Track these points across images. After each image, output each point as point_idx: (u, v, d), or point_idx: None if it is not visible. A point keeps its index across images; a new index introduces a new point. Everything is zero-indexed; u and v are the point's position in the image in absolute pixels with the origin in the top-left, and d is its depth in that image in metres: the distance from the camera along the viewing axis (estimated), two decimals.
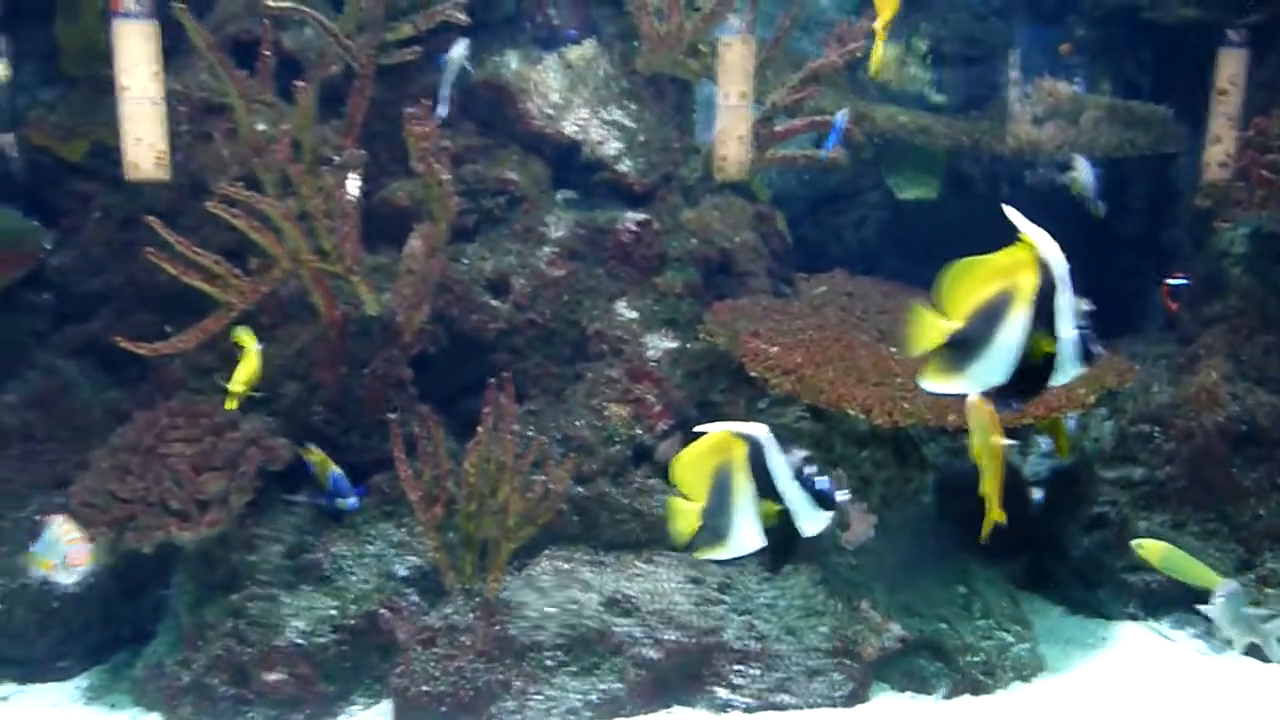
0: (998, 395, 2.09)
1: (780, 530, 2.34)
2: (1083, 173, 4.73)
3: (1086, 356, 2.01)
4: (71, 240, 4.08)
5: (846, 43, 4.35)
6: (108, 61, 3.53)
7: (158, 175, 3.45)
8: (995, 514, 2.68)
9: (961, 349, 2.04)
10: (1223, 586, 3.36)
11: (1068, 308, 1.99)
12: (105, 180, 4.00)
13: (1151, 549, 3.48)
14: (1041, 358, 2.02)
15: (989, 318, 2.02)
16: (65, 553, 3.17)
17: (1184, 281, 4.49)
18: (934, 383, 2.10)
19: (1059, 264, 1.97)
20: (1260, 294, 4.24)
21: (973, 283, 2.05)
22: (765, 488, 2.32)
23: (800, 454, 2.32)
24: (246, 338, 3.49)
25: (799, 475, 2.31)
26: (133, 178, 3.43)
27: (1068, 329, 1.99)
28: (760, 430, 2.33)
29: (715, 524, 2.37)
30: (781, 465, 2.31)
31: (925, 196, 5.63)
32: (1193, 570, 3.49)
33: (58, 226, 4.11)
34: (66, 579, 3.21)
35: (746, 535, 2.36)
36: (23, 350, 4.05)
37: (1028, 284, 1.99)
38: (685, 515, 2.40)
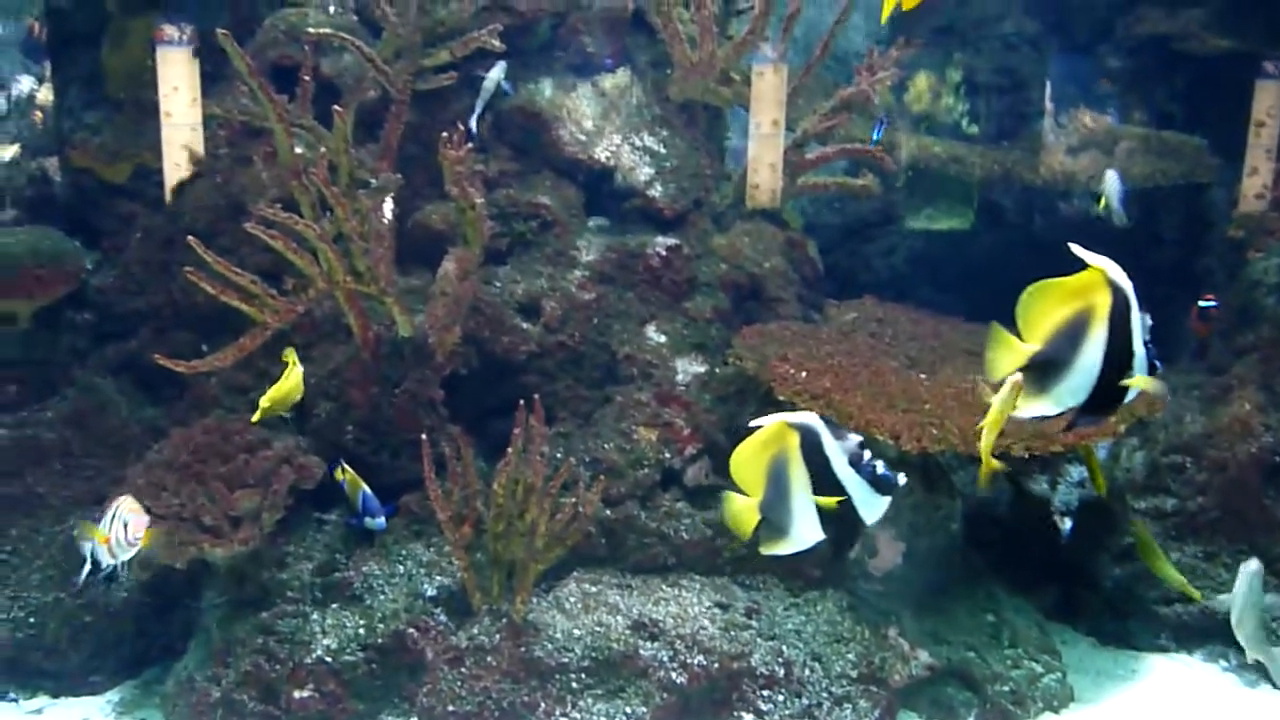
0: (1078, 413, 2.13)
1: (841, 520, 2.27)
2: (1110, 184, 4.73)
3: (1152, 370, 2.08)
4: (113, 260, 4.16)
5: (876, 71, 4.38)
6: (153, 86, 3.62)
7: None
8: (989, 463, 2.64)
9: (1043, 370, 2.10)
10: (1247, 565, 3.34)
11: (1138, 325, 2.06)
12: (147, 201, 4.09)
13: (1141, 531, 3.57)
14: (1118, 374, 2.07)
15: (1069, 338, 2.07)
16: (128, 521, 3.07)
17: (1213, 304, 4.44)
18: (1025, 407, 2.14)
19: (1127, 283, 2.04)
20: None
21: (1049, 305, 2.09)
22: (822, 477, 2.26)
23: (855, 439, 2.26)
24: (292, 358, 3.51)
25: (856, 461, 2.25)
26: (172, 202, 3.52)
27: (1139, 345, 2.05)
28: (812, 418, 2.27)
29: (775, 518, 2.30)
30: (837, 452, 2.24)
31: (958, 227, 5.65)
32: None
33: (99, 247, 4.19)
34: (120, 555, 3.10)
35: (806, 528, 2.29)
36: (62, 368, 4.12)
37: (1103, 303, 2.05)
38: (743, 512, 2.33)
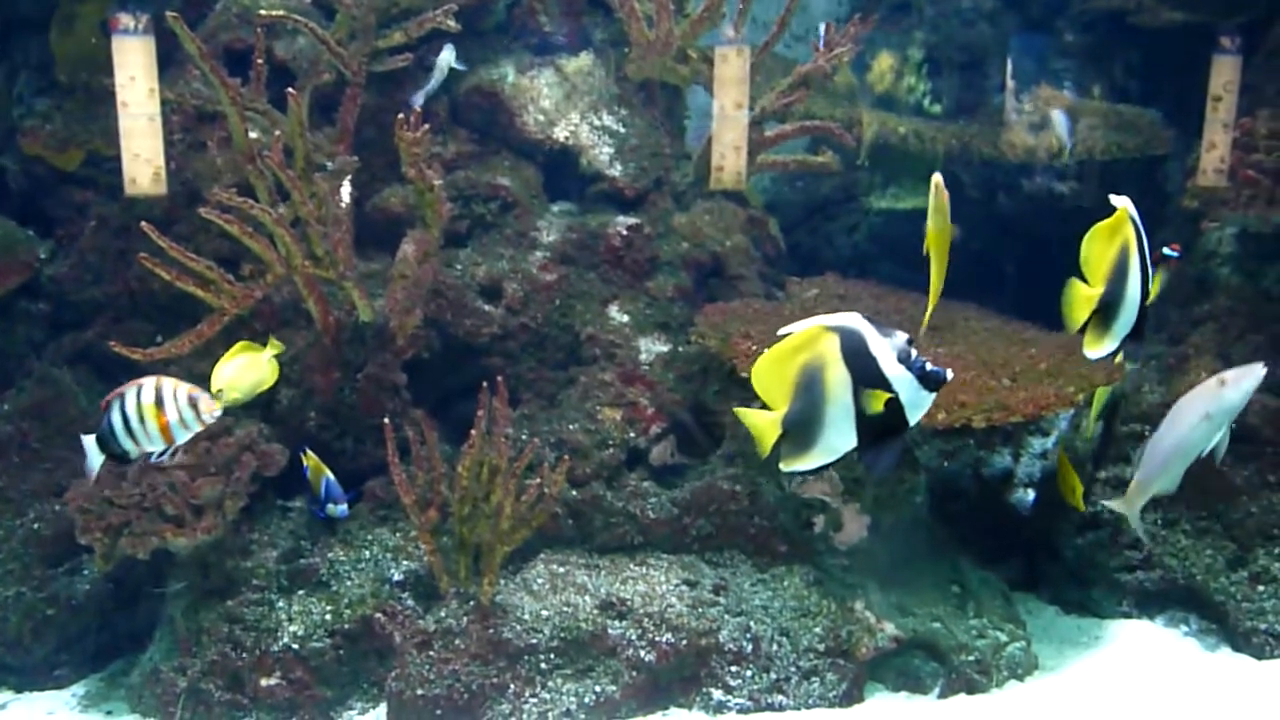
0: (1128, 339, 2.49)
1: (884, 423, 2.14)
2: (1057, 120, 4.81)
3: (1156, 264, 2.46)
4: (67, 249, 4.10)
5: (834, 48, 4.38)
6: (103, 71, 3.56)
7: (155, 190, 3.50)
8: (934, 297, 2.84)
9: (1108, 310, 2.44)
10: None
11: (1146, 250, 2.46)
12: (100, 189, 4.03)
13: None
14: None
15: (1120, 275, 2.43)
16: (196, 399, 2.76)
17: (1175, 254, 4.43)
18: (1096, 349, 2.45)
19: (1137, 218, 2.43)
20: (1248, 294, 4.26)
21: (1102, 247, 2.46)
22: (867, 378, 2.12)
23: (902, 336, 2.14)
24: (274, 348, 3.43)
25: (904, 358, 2.13)
26: (131, 193, 3.47)
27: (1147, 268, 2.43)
28: (854, 318, 2.14)
29: (801, 430, 2.17)
30: (885, 350, 2.12)
31: (922, 206, 5.66)
32: None
33: (53, 236, 4.12)
34: (181, 437, 2.78)
35: (839, 437, 2.17)
36: (18, 359, 4.07)
37: (1131, 237, 2.43)
38: (764, 427, 2.19)
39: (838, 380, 2.13)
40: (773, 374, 2.18)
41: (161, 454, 2.83)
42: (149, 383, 2.77)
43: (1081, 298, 2.45)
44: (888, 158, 5.42)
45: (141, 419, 2.74)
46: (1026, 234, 5.31)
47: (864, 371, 2.12)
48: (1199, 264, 4.45)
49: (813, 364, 2.14)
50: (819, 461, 2.20)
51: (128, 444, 2.76)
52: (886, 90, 5.77)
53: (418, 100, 4.00)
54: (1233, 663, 3.81)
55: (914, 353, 2.13)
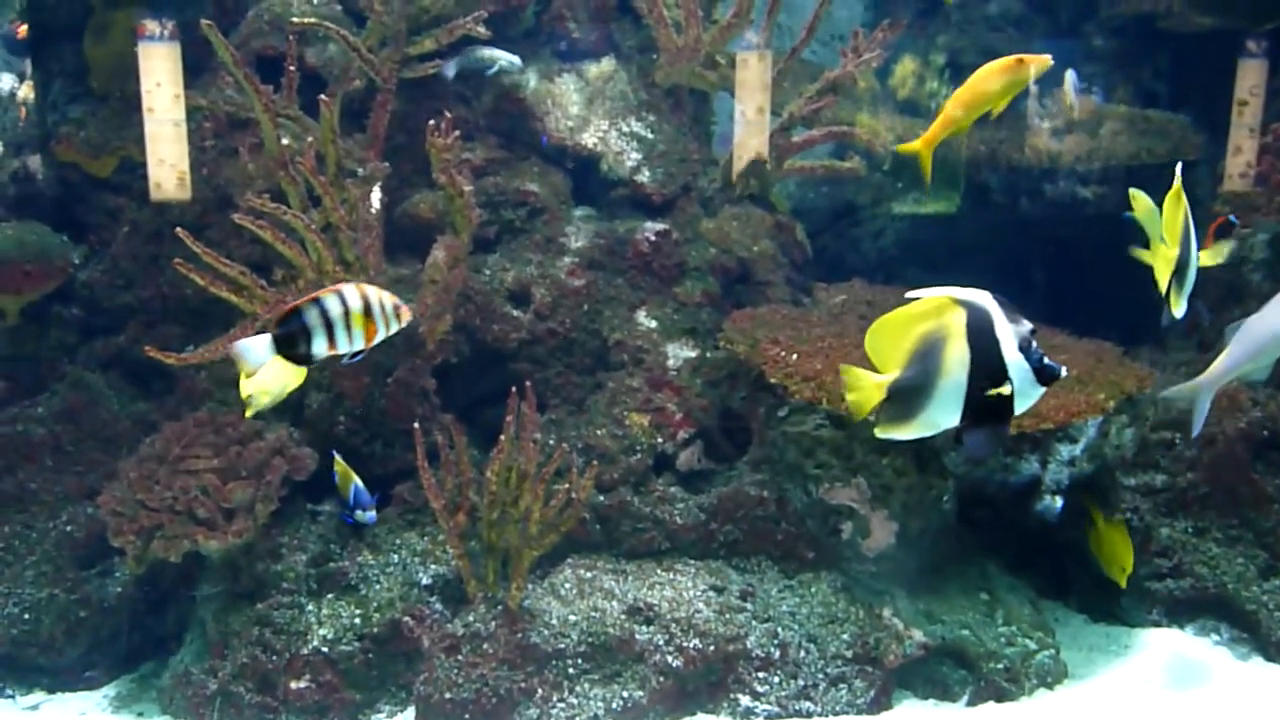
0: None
1: (991, 407, 2.10)
2: (1068, 79, 4.99)
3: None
4: (100, 255, 4.14)
5: (862, 54, 4.38)
6: (136, 79, 3.61)
7: (179, 195, 3.53)
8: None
9: (1180, 271, 2.92)
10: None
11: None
12: (134, 195, 4.07)
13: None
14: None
15: (1186, 239, 2.91)
16: (398, 306, 2.77)
17: (1236, 222, 4.35)
18: (1177, 309, 2.85)
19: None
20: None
21: (1173, 212, 2.94)
22: (984, 359, 2.08)
23: (1027, 325, 2.10)
24: None
25: (1025, 347, 2.09)
26: (156, 198, 3.51)
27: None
28: (984, 295, 2.10)
29: (907, 399, 2.13)
30: (1009, 335, 2.08)
31: (946, 210, 5.65)
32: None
33: (87, 241, 4.17)
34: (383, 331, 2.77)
35: (943, 413, 2.12)
36: (51, 364, 4.11)
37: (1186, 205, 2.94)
38: (869, 388, 2.15)
39: (957, 356, 2.09)
40: (890, 338, 2.14)
41: (355, 356, 2.84)
42: (351, 288, 2.78)
43: (1165, 260, 2.87)
44: (912, 163, 5.41)
45: (346, 321, 2.75)
46: (1051, 239, 5.29)
47: (984, 352, 2.08)
48: (1230, 270, 4.41)
49: (934, 335, 2.10)
50: (917, 433, 2.17)
51: (320, 346, 2.74)
52: (909, 95, 5.76)
53: (449, 69, 4.03)
54: (1265, 673, 3.78)
55: (1035, 343, 2.10)
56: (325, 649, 3.49)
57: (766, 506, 3.79)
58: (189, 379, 3.92)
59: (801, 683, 3.48)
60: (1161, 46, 5.39)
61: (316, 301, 2.66)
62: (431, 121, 3.52)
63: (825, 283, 4.69)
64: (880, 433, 2.19)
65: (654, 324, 4.13)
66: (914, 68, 5.80)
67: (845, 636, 3.56)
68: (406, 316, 2.81)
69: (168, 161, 3.53)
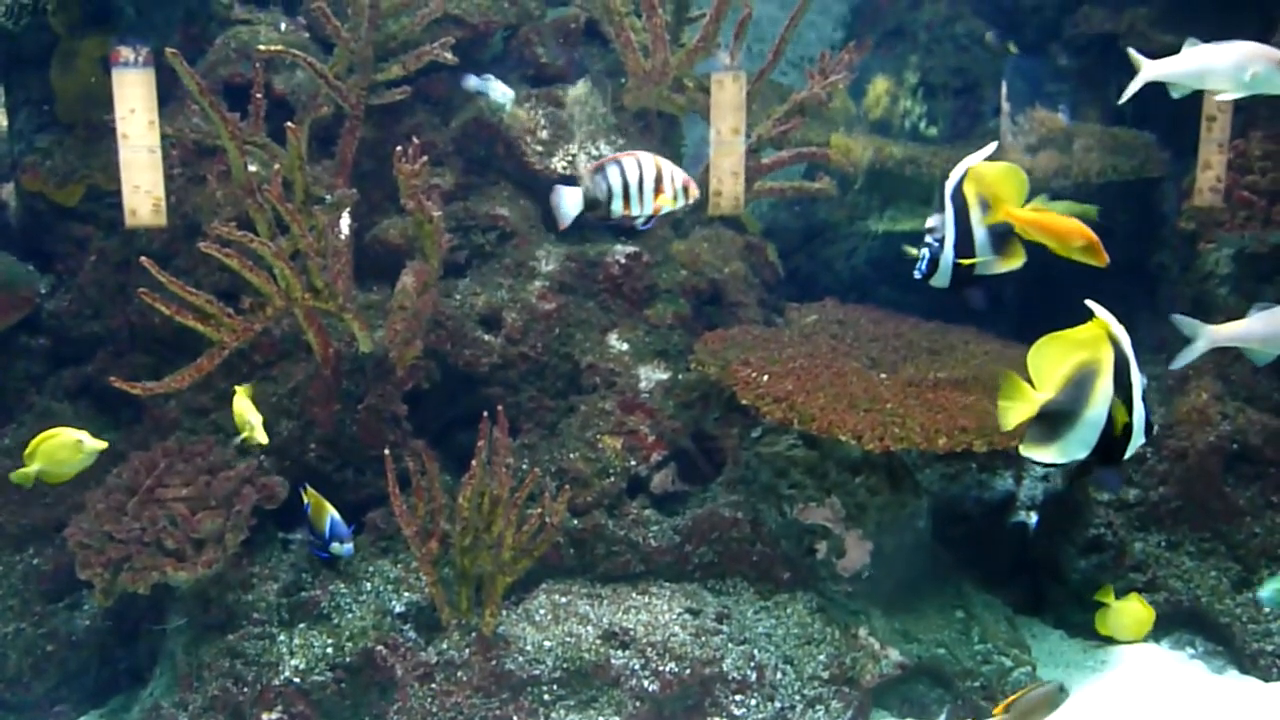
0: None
1: (1113, 445, 2.19)
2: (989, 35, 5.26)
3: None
4: (67, 284, 4.10)
5: (828, 75, 4.40)
6: (103, 108, 3.59)
7: (155, 222, 3.51)
8: None
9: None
10: None
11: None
12: (101, 224, 4.04)
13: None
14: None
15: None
16: (687, 184, 3.20)
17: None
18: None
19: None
20: (1247, 314, 4.26)
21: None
22: (1121, 399, 2.17)
23: (1145, 377, 2.22)
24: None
25: (1144, 395, 2.21)
26: (131, 225, 3.49)
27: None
28: (1123, 334, 2.17)
29: (1053, 422, 2.20)
30: (1138, 380, 2.18)
31: (919, 228, 5.67)
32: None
33: (54, 271, 4.13)
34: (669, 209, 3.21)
35: (1079, 443, 2.20)
36: (18, 394, 4.06)
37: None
38: (1027, 400, 2.22)
39: (1105, 390, 2.17)
40: (1053, 358, 2.21)
41: (648, 221, 3.21)
42: (648, 157, 3.16)
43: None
44: (885, 181, 5.44)
45: (641, 189, 3.10)
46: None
47: (1123, 391, 2.17)
48: (1196, 285, 4.45)
49: (1091, 365, 2.18)
50: (1054, 458, 2.24)
51: (617, 205, 3.13)
52: (883, 115, 5.80)
53: (468, 82, 4.25)
54: (1240, 685, 3.79)
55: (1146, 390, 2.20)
56: (297, 679, 3.45)
57: (741, 528, 3.79)
58: (158, 409, 3.88)
59: (779, 705, 3.47)
60: (1125, 64, 5.44)
61: (617, 163, 3.07)
62: (399, 148, 3.51)
63: (798, 303, 4.70)
64: (1025, 451, 2.27)
65: (625, 347, 4.13)
66: (887, 87, 5.84)
67: (822, 657, 3.56)
68: (694, 194, 3.16)
69: (143, 188, 3.51)
